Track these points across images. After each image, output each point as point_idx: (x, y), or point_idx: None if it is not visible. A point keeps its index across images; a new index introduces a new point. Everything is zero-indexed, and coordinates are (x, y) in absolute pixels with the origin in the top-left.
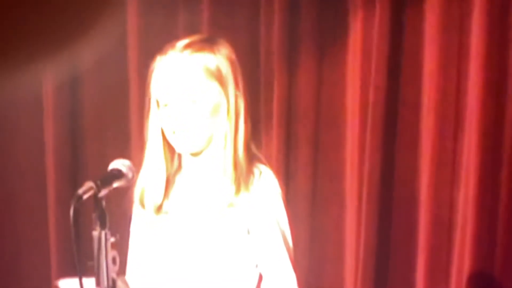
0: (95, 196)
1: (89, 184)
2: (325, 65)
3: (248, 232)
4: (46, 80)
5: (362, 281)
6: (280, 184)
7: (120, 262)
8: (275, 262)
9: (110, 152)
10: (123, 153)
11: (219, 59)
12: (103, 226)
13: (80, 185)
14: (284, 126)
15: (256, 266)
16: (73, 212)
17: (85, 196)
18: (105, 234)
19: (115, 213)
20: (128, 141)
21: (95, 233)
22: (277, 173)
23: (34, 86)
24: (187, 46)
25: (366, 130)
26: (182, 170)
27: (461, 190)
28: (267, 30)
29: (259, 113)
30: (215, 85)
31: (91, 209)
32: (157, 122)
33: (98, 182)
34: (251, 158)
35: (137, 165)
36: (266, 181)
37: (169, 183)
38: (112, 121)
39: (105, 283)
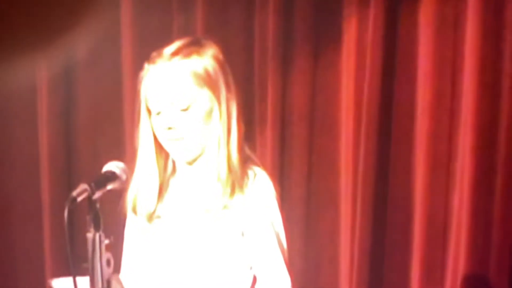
0: (89, 198)
1: (83, 186)
2: (319, 67)
3: (243, 234)
4: (40, 83)
5: (357, 282)
6: (274, 186)
7: (115, 264)
8: (269, 264)
9: (104, 154)
10: (117, 155)
11: (207, 61)
12: (97, 228)
13: (74, 187)
14: (278, 128)
15: (251, 268)
16: (67, 214)
17: (79, 198)
18: (99, 236)
19: (109, 215)
20: (122, 143)
21: (89, 235)
22: (271, 175)
23: (28, 89)
24: (175, 54)
25: (361, 132)
26: (177, 174)
27: (455, 192)
28: (262, 32)
29: (254, 115)
30: (206, 91)
31: (85, 211)
32: (149, 129)
33: (92, 184)
34: (245, 160)
35: (131, 167)
36: (260, 183)
37: (162, 187)
38: (106, 123)
39: (100, 285)
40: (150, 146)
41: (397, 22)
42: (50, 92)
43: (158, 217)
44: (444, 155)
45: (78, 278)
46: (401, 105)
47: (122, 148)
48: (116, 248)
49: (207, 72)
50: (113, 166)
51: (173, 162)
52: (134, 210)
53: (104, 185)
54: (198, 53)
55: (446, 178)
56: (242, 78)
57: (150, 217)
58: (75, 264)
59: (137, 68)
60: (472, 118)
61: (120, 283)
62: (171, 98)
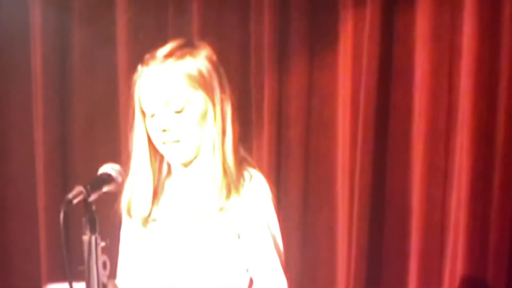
0: (85, 201)
1: (78, 188)
2: (315, 68)
3: (239, 236)
4: (35, 85)
5: (354, 284)
6: (271, 187)
7: (111, 266)
8: (266, 266)
9: (100, 156)
10: (113, 158)
11: (200, 63)
12: (93, 231)
13: (70, 189)
14: (275, 129)
15: (247, 270)
16: (63, 217)
17: (75, 201)
18: (95, 239)
19: (105, 217)
20: (118, 145)
21: (85, 238)
22: (268, 176)
23: (24, 92)
24: (168, 56)
25: (357, 134)
26: (172, 176)
27: (453, 194)
28: (257, 32)
29: (250, 116)
30: (200, 93)
31: (81, 213)
32: (143, 132)
33: (88, 187)
34: (240, 162)
35: (126, 169)
36: (256, 184)
37: (157, 190)
38: (102, 125)
39: (96, 287)
40: (144, 148)
41: (393, 22)
42: (45, 94)
43: (154, 219)
44: (441, 156)
45: (74, 284)
46: (397, 106)
47: (118, 150)
48: (112, 251)
49: (200, 73)
50: (109, 168)
51: (168, 165)
52: (129, 213)
53: (100, 187)
54: (192, 54)
55: (443, 180)
56: (238, 79)
57: (145, 220)
58: (71, 266)
59: (133, 70)
60: (469, 119)
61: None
62: (165, 100)
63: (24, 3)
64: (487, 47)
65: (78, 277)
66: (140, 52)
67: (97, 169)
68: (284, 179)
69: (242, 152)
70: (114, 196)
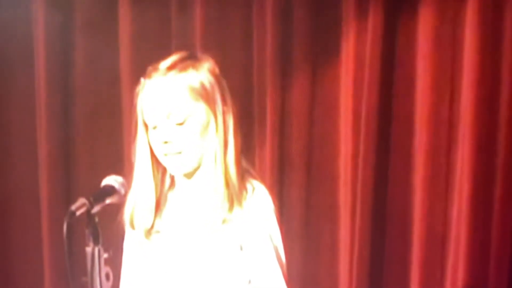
0: (88, 212)
1: (82, 200)
2: (318, 80)
3: (241, 248)
4: (38, 93)
5: None
6: (273, 199)
7: (114, 278)
8: (268, 278)
9: (103, 168)
10: (116, 169)
11: (203, 75)
12: (96, 242)
13: (73, 201)
14: (277, 141)
15: (249, 282)
16: (66, 228)
17: (78, 213)
18: (98, 250)
19: (108, 229)
20: (121, 157)
21: (88, 249)
22: (270, 188)
23: (27, 100)
24: (171, 68)
25: (359, 146)
26: (175, 188)
27: (454, 204)
28: (260, 44)
29: (253, 129)
30: (202, 105)
31: (84, 225)
32: (146, 144)
33: (91, 199)
34: (243, 174)
35: (129, 180)
36: (259, 196)
37: (160, 202)
38: (105, 136)
39: None
40: (147, 160)
41: (395, 35)
42: (48, 105)
43: (157, 231)
44: (442, 167)
45: None
46: (399, 118)
47: (121, 162)
48: (115, 262)
49: (203, 86)
50: (112, 180)
51: (172, 177)
52: (132, 225)
53: (103, 199)
54: (194, 67)
55: (445, 190)
56: (240, 91)
57: (148, 232)
58: (74, 278)
59: (135, 77)
60: (470, 131)
61: None
62: (167, 112)
63: (27, 8)
64: (489, 59)
65: None
66: (143, 60)
67: (100, 181)
68: (286, 191)
69: (245, 164)
70: (117, 208)
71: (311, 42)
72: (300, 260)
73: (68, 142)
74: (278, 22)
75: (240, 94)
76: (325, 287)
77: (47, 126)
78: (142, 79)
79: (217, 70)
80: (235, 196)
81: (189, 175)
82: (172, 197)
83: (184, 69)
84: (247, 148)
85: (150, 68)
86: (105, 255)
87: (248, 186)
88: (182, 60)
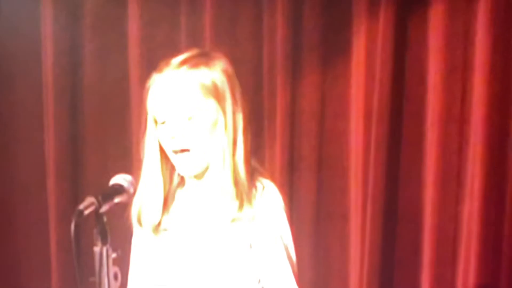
0: (96, 212)
1: (90, 199)
2: (328, 79)
3: (251, 247)
4: (46, 93)
5: None
6: (284, 198)
7: (122, 278)
8: (278, 277)
9: (112, 166)
10: (125, 168)
11: (215, 74)
12: (104, 242)
13: (81, 200)
14: (287, 140)
15: (259, 281)
16: (74, 228)
17: (86, 212)
18: (107, 250)
19: (116, 228)
20: (129, 155)
21: (97, 249)
22: (281, 187)
23: (35, 100)
24: (183, 63)
25: (370, 144)
26: (184, 185)
27: (465, 204)
28: (270, 43)
29: (263, 127)
30: (212, 101)
31: (92, 224)
32: (155, 140)
33: (99, 198)
34: (253, 172)
35: (138, 179)
36: (269, 195)
37: (168, 199)
38: (113, 135)
39: None
40: (155, 156)
41: (406, 33)
42: (56, 104)
43: (165, 229)
44: (454, 166)
45: None
46: (410, 117)
47: (129, 160)
48: (123, 262)
49: (214, 84)
50: (121, 179)
51: (181, 175)
52: (139, 221)
53: (112, 198)
54: (207, 65)
55: (456, 190)
56: (250, 91)
57: (156, 229)
58: (82, 278)
59: (145, 78)
60: (482, 129)
61: None
62: (176, 106)
63: (36, 6)
64: (500, 56)
65: None
66: (152, 58)
67: (108, 179)
68: (296, 190)
69: (254, 162)
70: (126, 207)
71: (322, 40)
72: (310, 259)
73: (76, 140)
74: (288, 20)
75: (250, 93)
76: (335, 286)
77: (55, 124)
78: (153, 74)
79: (230, 70)
80: (244, 194)
81: (198, 175)
82: (180, 194)
83: (196, 65)
84: (257, 147)
85: (162, 63)
86: (114, 255)
87: (258, 184)
88: (195, 57)
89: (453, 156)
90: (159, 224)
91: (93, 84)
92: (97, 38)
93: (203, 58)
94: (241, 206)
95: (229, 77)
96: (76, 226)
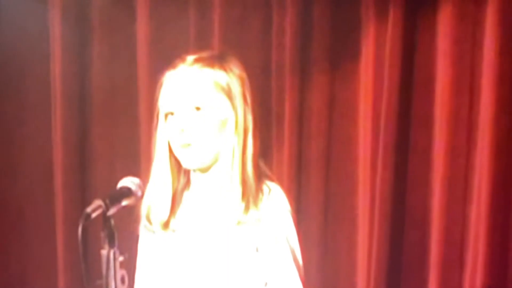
0: (103, 215)
1: (97, 202)
2: (337, 83)
3: (257, 250)
4: (54, 94)
5: None
6: (292, 201)
7: (129, 281)
8: (284, 280)
9: (119, 169)
10: (132, 170)
11: (230, 76)
12: (111, 245)
13: (89, 203)
14: (295, 143)
15: (266, 284)
16: (82, 231)
17: (94, 215)
18: (114, 253)
19: (124, 231)
20: (137, 157)
21: (104, 252)
22: (289, 191)
23: (43, 102)
24: (198, 60)
25: (378, 146)
26: (190, 187)
27: (473, 207)
28: (279, 46)
29: (271, 131)
30: (224, 99)
31: (100, 227)
32: (165, 137)
33: (107, 200)
34: (260, 175)
35: (146, 182)
36: (275, 198)
37: (176, 199)
38: (122, 137)
39: None
40: (165, 154)
41: (414, 37)
42: (64, 106)
43: (173, 230)
44: (461, 170)
45: None
46: (419, 120)
47: (138, 163)
48: (130, 265)
49: (228, 84)
50: (129, 182)
51: (187, 175)
52: (149, 219)
53: (119, 201)
54: (222, 66)
55: (464, 193)
56: (259, 93)
57: (164, 227)
58: (89, 281)
59: (153, 80)
60: (489, 133)
61: None
62: (188, 98)
63: (44, 7)
64: (509, 59)
65: None
66: (160, 60)
67: (116, 183)
68: (304, 193)
69: (262, 165)
70: (133, 210)
71: (331, 42)
72: (317, 262)
73: (84, 143)
74: (297, 22)
75: (258, 96)
76: None
77: (63, 126)
78: (167, 71)
79: (244, 74)
80: (251, 197)
81: (204, 174)
82: (187, 196)
83: (211, 65)
84: (264, 149)
85: (177, 59)
86: (121, 258)
87: (264, 187)
88: (210, 57)
89: (460, 160)
90: (167, 223)
91: (101, 86)
92: (105, 40)
93: (218, 59)
94: (247, 208)
95: (242, 80)
96: (83, 229)
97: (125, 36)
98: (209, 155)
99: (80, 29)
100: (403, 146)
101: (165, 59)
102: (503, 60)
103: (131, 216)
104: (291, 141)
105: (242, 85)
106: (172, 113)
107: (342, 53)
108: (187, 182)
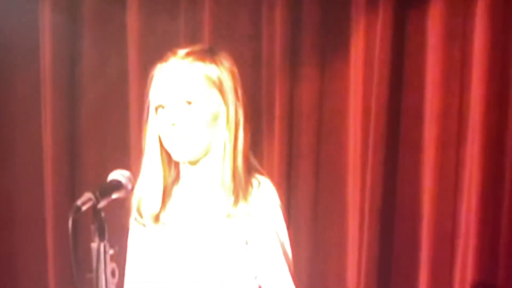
0: (94, 208)
1: (88, 195)
2: (327, 75)
3: (247, 243)
4: (44, 88)
5: None
6: (282, 195)
7: (119, 274)
8: (274, 274)
9: (109, 162)
10: (122, 163)
11: (221, 70)
12: (102, 238)
13: (79, 196)
14: (286, 137)
15: (255, 278)
16: (72, 224)
17: (84, 208)
18: (104, 246)
19: (114, 224)
20: (127, 150)
21: (94, 245)
22: (279, 184)
23: (33, 95)
24: (189, 54)
25: (368, 141)
26: (180, 181)
27: (463, 202)
28: (269, 41)
29: (261, 125)
30: (215, 93)
31: (90, 220)
32: (155, 130)
33: (97, 193)
34: (250, 169)
35: (136, 174)
36: (265, 192)
37: (166, 193)
38: (112, 130)
39: None
40: (155, 147)
41: (405, 29)
42: (54, 98)
43: (163, 223)
44: (452, 163)
45: None
46: (409, 114)
47: (127, 156)
48: (121, 258)
49: (219, 78)
50: (119, 174)
51: (177, 168)
52: (139, 212)
53: (109, 194)
54: (213, 60)
55: (454, 187)
56: (249, 88)
57: (155, 220)
58: (79, 274)
59: (144, 73)
60: (480, 126)
61: None
62: (179, 92)
63: (34, 5)
64: (499, 55)
65: (86, 285)
66: (151, 54)
67: (106, 175)
68: (294, 187)
69: (252, 159)
70: (124, 203)
71: (321, 36)
72: (307, 257)
73: (74, 136)
74: (287, 17)
75: (249, 89)
76: (332, 283)
77: (53, 120)
78: (158, 64)
79: (235, 69)
80: (240, 190)
81: (194, 167)
82: (177, 190)
83: (202, 59)
84: (255, 143)
85: (168, 53)
86: (111, 251)
87: (254, 181)
88: (202, 51)
89: (451, 154)
90: (157, 216)
91: (92, 79)
92: (96, 32)
93: (209, 53)
94: (236, 201)
95: (233, 75)
96: (73, 222)
97: (115, 29)
98: (200, 148)
99: (70, 21)
100: (393, 141)
101: (156, 51)
102: (493, 54)
103: (121, 209)
104: (281, 135)
105: (233, 79)
106: (163, 107)
107: (333, 46)
108: (177, 176)
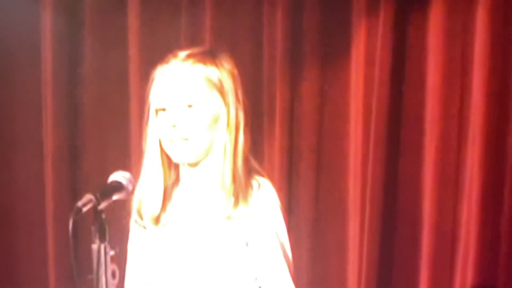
0: (94, 209)
1: (88, 196)
2: (328, 76)
3: (247, 245)
4: (45, 88)
5: None
6: (282, 197)
7: (120, 275)
8: (274, 275)
9: (110, 163)
10: (123, 164)
11: (222, 72)
12: (102, 239)
13: (80, 197)
14: (286, 138)
15: (256, 279)
16: (72, 225)
17: (85, 209)
18: (105, 247)
19: (115, 226)
20: (128, 152)
21: (95, 246)
22: (279, 186)
23: (34, 95)
24: (190, 56)
25: (369, 144)
26: (180, 183)
27: (464, 204)
28: (270, 42)
29: (262, 126)
30: (216, 95)
31: (91, 222)
32: (155, 132)
33: (98, 195)
34: (250, 171)
35: (137, 176)
36: (265, 193)
37: (166, 195)
38: (112, 132)
39: None
40: (156, 149)
41: (405, 33)
42: (55, 100)
43: (163, 225)
44: (452, 166)
45: None
46: (409, 116)
47: (128, 158)
48: (121, 259)
49: (220, 80)
50: (119, 176)
51: (177, 171)
52: (140, 214)
53: (110, 196)
54: (214, 62)
55: (455, 190)
56: (250, 90)
57: (155, 221)
58: (79, 275)
59: (144, 75)
60: (480, 129)
61: None
62: (179, 94)
63: (35, 9)
64: (499, 57)
65: (87, 286)
66: (152, 55)
67: (107, 176)
68: (295, 188)
69: (252, 161)
70: (124, 205)
71: (322, 38)
72: (308, 258)
73: (74, 137)
74: (288, 18)
75: (250, 91)
76: (333, 284)
77: (54, 121)
78: (158, 66)
79: (235, 71)
80: (240, 192)
81: (194, 168)
82: (176, 192)
83: (203, 61)
84: (255, 144)
85: (168, 55)
86: (112, 253)
87: (254, 182)
88: (202, 53)
89: (452, 156)
90: (158, 218)
91: (92, 80)
92: (96, 33)
93: (210, 55)
94: (236, 203)
95: (234, 77)
96: (74, 223)
97: (116, 30)
98: (201, 150)
99: (71, 23)
100: (394, 143)
101: (157, 53)
102: (494, 55)
103: (122, 210)
104: (282, 138)
105: (234, 81)
106: (163, 109)
107: (334, 48)
108: (177, 178)
